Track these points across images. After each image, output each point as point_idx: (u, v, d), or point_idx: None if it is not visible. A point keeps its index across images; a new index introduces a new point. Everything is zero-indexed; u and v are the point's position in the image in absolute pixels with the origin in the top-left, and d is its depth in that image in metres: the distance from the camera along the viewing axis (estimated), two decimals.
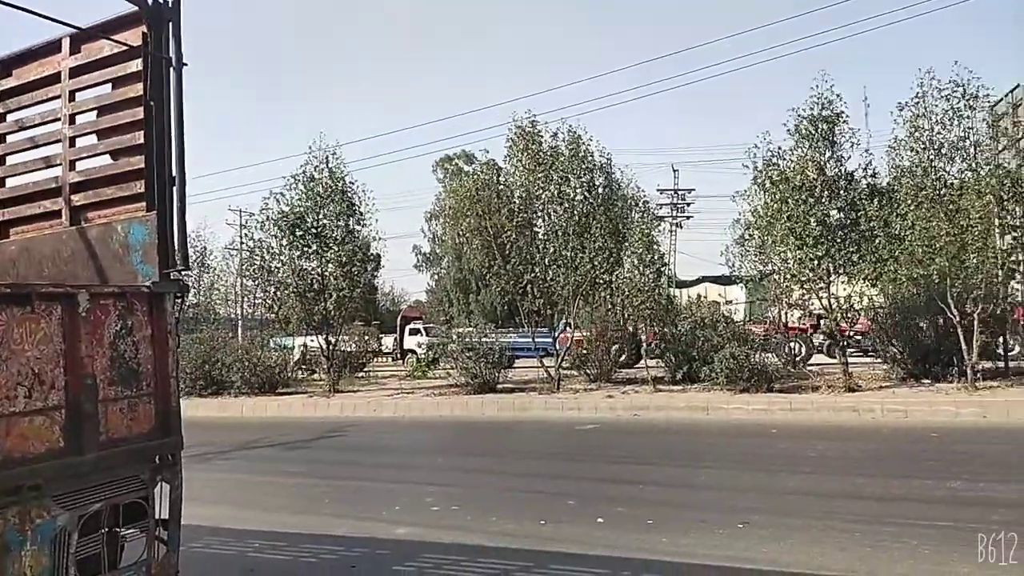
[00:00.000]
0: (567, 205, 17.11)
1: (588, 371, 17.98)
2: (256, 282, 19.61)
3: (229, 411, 17.36)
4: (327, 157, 18.10)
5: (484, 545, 6.01)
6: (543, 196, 17.16)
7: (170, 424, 3.90)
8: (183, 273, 4.06)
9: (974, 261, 13.38)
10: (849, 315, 15.14)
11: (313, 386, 20.31)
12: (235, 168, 77.54)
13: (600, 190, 17.29)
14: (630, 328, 18.29)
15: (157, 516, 3.87)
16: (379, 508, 7.53)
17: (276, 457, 11.42)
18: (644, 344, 17.65)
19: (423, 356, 22.08)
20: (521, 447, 10.97)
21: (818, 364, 19.24)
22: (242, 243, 27.29)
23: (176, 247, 4.03)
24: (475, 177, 18.65)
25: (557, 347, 18.61)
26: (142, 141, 4.08)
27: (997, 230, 13.82)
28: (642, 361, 17.54)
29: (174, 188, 4.01)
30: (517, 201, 17.39)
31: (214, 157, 76.19)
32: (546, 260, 17.14)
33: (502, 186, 17.72)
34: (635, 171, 39.76)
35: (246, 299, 32.72)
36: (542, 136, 17.21)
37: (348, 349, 21.68)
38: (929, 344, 15.16)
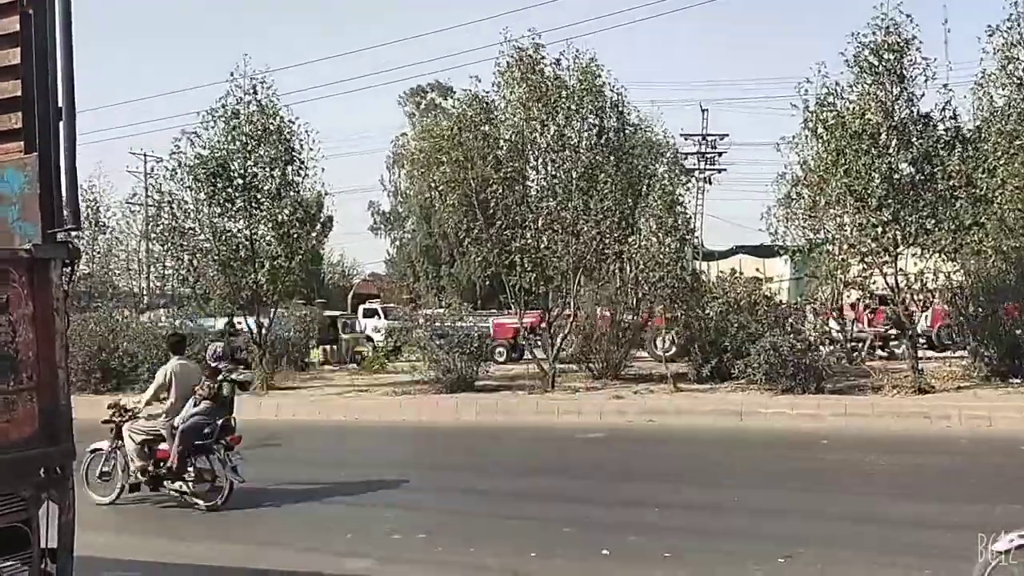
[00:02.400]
0: (569, 153, 17.02)
1: (592, 365, 18.06)
2: (166, 247, 19.42)
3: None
4: (255, 86, 17.89)
5: None
6: (540, 141, 17.05)
7: (58, 428, 3.87)
8: (73, 234, 4.00)
9: None
10: (920, 296, 15.25)
11: None
12: (139, 98, 76.51)
13: (611, 135, 17.21)
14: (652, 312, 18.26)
15: (43, 544, 3.85)
16: (325, 536, 7.55)
17: None
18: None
19: (381, 345, 22.08)
20: (506, 460, 11.02)
21: (880, 358, 19.44)
22: (147, 196, 27.04)
23: (64, 200, 3.96)
24: (458, 114, 18.42)
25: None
26: (18, 60, 3.98)
27: None
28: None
29: (61, 123, 3.93)
30: (506, 147, 17.26)
31: (111, 83, 75.19)
32: (540, 223, 17.10)
33: (488, 127, 17.54)
34: (654, 110, 39.67)
35: (153, 269, 32.46)
36: (544, 63, 16.99)
37: (286, 335, 21.64)
38: (1020, 335, 15.31)
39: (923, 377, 14.64)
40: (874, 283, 15.89)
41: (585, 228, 16.73)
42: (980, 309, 15.99)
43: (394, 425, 15.18)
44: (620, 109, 17.48)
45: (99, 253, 24.81)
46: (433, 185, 17.96)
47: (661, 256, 16.23)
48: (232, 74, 17.89)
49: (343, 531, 7.68)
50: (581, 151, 16.99)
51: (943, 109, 14.71)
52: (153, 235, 20.30)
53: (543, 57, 16.99)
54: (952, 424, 12.40)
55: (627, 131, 17.65)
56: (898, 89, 14.54)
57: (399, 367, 20.27)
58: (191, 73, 73.77)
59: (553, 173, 17.34)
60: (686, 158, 36.36)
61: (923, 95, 14.64)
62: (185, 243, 18.50)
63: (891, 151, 14.47)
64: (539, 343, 19.22)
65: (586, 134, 17.06)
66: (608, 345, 18.08)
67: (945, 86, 14.62)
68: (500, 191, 17.03)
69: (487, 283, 29.88)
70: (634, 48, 63.06)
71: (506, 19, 38.13)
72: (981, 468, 9.97)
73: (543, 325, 19.64)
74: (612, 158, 16.96)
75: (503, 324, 23.63)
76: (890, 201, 14.35)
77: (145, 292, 31.63)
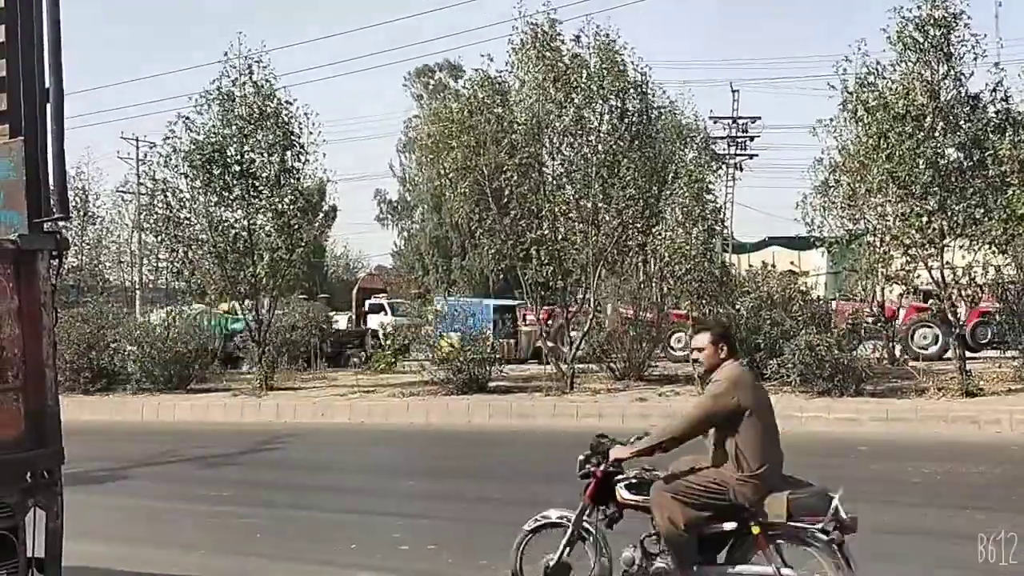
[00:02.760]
0: (589, 137, 16.98)
1: (613, 365, 18.05)
2: (160, 238, 19.53)
3: (126, 413, 17.42)
4: (250, 67, 17.93)
5: None
6: (557, 125, 17.00)
7: (45, 430, 3.90)
8: (62, 224, 4.02)
9: None
10: (969, 292, 15.13)
11: (239, 381, 20.37)
12: (131, 80, 76.93)
13: (634, 118, 17.15)
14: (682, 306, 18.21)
15: (29, 553, 3.88)
16: (330, 546, 7.57)
17: (190, 476, 11.47)
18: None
19: (388, 343, 22.09)
20: (521, 466, 11.03)
21: (926, 359, 19.30)
22: (140, 184, 27.17)
23: (52, 187, 3.98)
24: (468, 96, 18.40)
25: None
26: (3, 39, 4.00)
27: None
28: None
29: (48, 106, 3.95)
30: (521, 131, 17.23)
31: (102, 65, 75.63)
32: (558, 212, 17.07)
33: (502, 110, 17.51)
34: (684, 91, 39.44)
35: (146, 261, 32.65)
36: (561, 40, 16.94)
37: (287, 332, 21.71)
38: None
39: (971, 379, 14.53)
40: (918, 277, 15.78)
41: (606, 218, 16.68)
42: None
43: (402, 428, 15.22)
44: (644, 90, 17.38)
45: (88, 244, 25.04)
46: (443, 172, 17.93)
47: (688, 248, 16.17)
48: (226, 54, 17.95)
49: (348, 541, 7.71)
50: (602, 135, 16.93)
51: (994, 90, 14.57)
52: (146, 225, 20.37)
53: (559, 34, 16.94)
54: (1003, 430, 12.32)
55: (651, 114, 17.56)
56: (945, 68, 14.41)
57: (408, 366, 20.28)
58: (189, 55, 74.11)
59: (571, 159, 17.27)
60: (715, 143, 36.21)
61: (972, 74, 14.51)
62: (180, 234, 18.58)
63: (937, 135, 14.34)
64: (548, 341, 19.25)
65: (607, 117, 16.98)
66: (631, 344, 18.04)
67: (996, 65, 14.50)
68: (514, 178, 17.00)
69: (501, 277, 29.86)
70: (659, 25, 62.91)
71: None
72: None
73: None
74: (635, 143, 16.88)
75: None
76: (936, 189, 14.23)
77: (138, 286, 31.89)
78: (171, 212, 18.46)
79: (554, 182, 17.54)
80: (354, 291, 34.66)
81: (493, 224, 17.49)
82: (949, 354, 17.01)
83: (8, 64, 4.00)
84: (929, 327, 19.85)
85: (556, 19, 17.01)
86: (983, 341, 19.37)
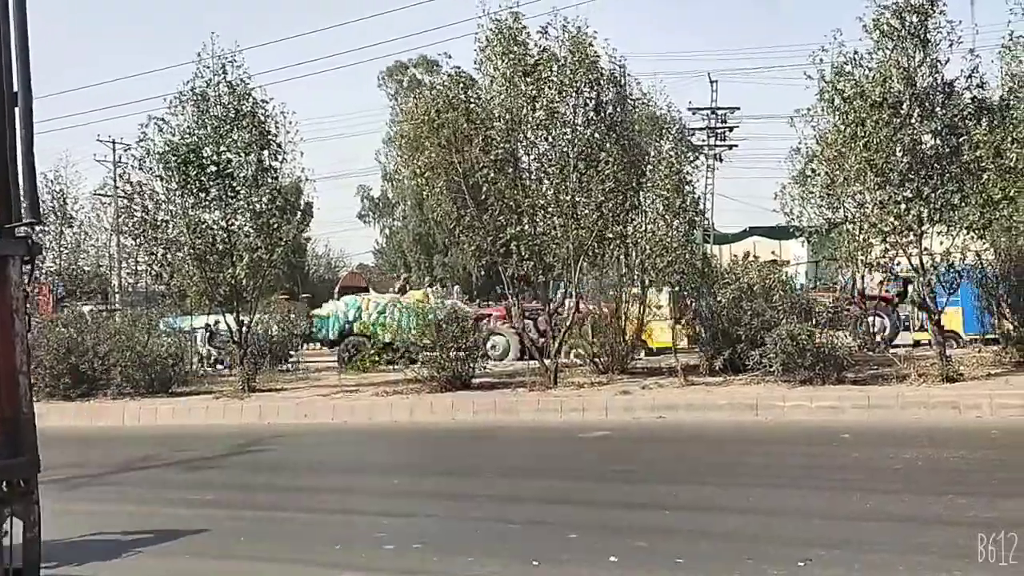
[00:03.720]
0: (565, 131, 16.98)
1: (597, 360, 18.09)
2: (138, 241, 19.40)
3: (106, 419, 17.30)
4: (223, 66, 17.82)
5: None
6: (531, 119, 17.00)
7: (20, 437, 3.86)
8: (33, 228, 3.98)
9: None
10: (948, 278, 15.26)
11: (221, 383, 20.29)
12: (106, 81, 76.39)
13: (611, 109, 17.16)
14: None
15: (7, 564, 3.85)
16: (314, 547, 7.56)
17: (173, 480, 11.43)
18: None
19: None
20: (506, 462, 11.07)
21: (904, 345, 19.47)
22: (116, 187, 26.98)
23: (22, 191, 3.94)
24: (436, 91, 18.39)
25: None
26: None
27: None
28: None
29: (17, 109, 3.91)
30: (496, 127, 17.23)
31: (77, 67, 74.98)
32: (536, 207, 17.09)
33: (474, 106, 17.51)
34: (657, 83, 39.52)
35: (125, 264, 32.47)
36: (527, 34, 16.96)
37: (271, 332, 21.65)
38: None
39: (951, 365, 14.65)
40: (898, 264, 15.89)
41: (585, 211, 16.70)
42: (1012, 289, 16.00)
43: (385, 427, 15.20)
44: (619, 81, 17.39)
45: (67, 248, 24.84)
46: (418, 172, 17.89)
47: (668, 240, 16.21)
48: (199, 54, 17.82)
49: (331, 541, 7.70)
50: (578, 128, 16.93)
51: (970, 76, 14.66)
52: (124, 228, 20.25)
53: (524, 27, 16.92)
54: (983, 414, 12.44)
55: (627, 105, 17.57)
56: (921, 55, 14.49)
57: (390, 365, 20.24)
58: (166, 56, 73.58)
59: (547, 153, 17.27)
60: (694, 134, 36.30)
61: (948, 61, 14.61)
62: (158, 236, 18.46)
63: (914, 122, 14.42)
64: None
65: (582, 109, 16.97)
66: (614, 337, 18.08)
67: (972, 51, 14.60)
68: (491, 174, 17.00)
69: (483, 273, 29.88)
70: (637, 18, 62.97)
71: None
72: (1015, 460, 10.01)
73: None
74: (612, 134, 16.89)
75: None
76: (913, 176, 14.34)
77: (117, 290, 31.69)
78: (148, 215, 18.34)
79: (531, 176, 17.53)
80: (336, 290, 34.53)
81: (472, 221, 17.47)
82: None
83: None
84: (879, 316, 20.18)
85: (519, 13, 16.98)
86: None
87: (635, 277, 17.94)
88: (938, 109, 14.64)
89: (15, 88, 3.93)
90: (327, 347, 24.80)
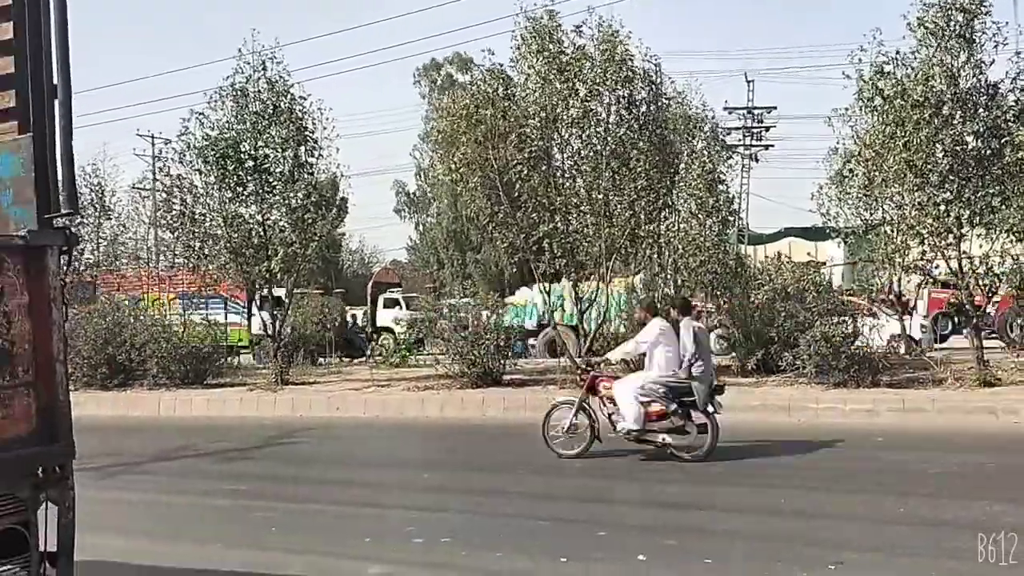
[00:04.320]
0: (598, 129, 16.93)
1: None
2: (176, 234, 19.63)
3: (142, 409, 17.53)
4: (263, 62, 17.98)
5: None
6: (565, 117, 16.96)
7: (56, 425, 3.92)
8: (71, 219, 4.04)
9: None
10: (986, 281, 15.03)
11: (255, 376, 20.47)
12: (146, 76, 77.37)
13: (644, 107, 17.08)
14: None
15: (42, 548, 3.90)
16: (344, 540, 7.60)
17: (206, 471, 11.53)
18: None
19: (403, 337, 22.09)
20: (535, 459, 11.01)
21: (942, 349, 19.19)
22: (155, 180, 27.31)
23: (61, 183, 4.00)
24: (473, 90, 18.41)
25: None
26: (11, 36, 4.02)
27: None
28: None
29: (56, 101, 3.97)
30: (531, 124, 17.21)
31: (116, 61, 75.97)
32: (569, 205, 17.05)
33: (510, 103, 17.51)
34: (691, 81, 39.34)
35: (163, 257, 32.89)
36: (563, 32, 16.92)
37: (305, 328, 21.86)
38: None
39: (988, 369, 14.45)
40: (937, 267, 15.68)
41: (618, 209, 16.64)
42: None
43: (416, 422, 15.25)
44: (653, 80, 17.30)
45: (105, 240, 25.17)
46: (454, 167, 17.94)
47: (702, 239, 16.11)
48: (240, 50, 18.00)
49: (361, 534, 7.73)
50: (610, 126, 16.87)
51: (1015, 78, 14.45)
52: (162, 221, 20.48)
53: (559, 26, 16.89)
54: (1021, 420, 12.24)
55: (660, 104, 17.48)
56: (965, 55, 14.28)
57: (421, 360, 20.32)
58: (204, 53, 74.33)
59: (581, 151, 17.23)
60: (729, 133, 36.03)
61: (993, 62, 14.37)
62: (195, 229, 18.66)
63: (956, 123, 14.22)
64: None
65: (614, 108, 16.91)
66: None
67: (1018, 54, 14.37)
68: (525, 172, 16.99)
69: (515, 270, 29.86)
70: (672, 17, 62.56)
71: None
72: None
73: None
74: (645, 133, 16.81)
75: None
76: (954, 177, 14.14)
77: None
78: (186, 208, 18.55)
79: (564, 174, 17.50)
80: (369, 285, 34.70)
81: (505, 218, 17.48)
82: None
83: (16, 61, 4.01)
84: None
85: (555, 11, 17.00)
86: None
87: (667, 276, 17.85)
88: (981, 110, 14.42)
89: (55, 81, 3.99)
90: (521, 339, 22.42)
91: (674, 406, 10.17)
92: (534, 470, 10.55)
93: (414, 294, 31.62)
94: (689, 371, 10.19)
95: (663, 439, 10.28)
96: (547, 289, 18.67)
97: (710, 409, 10.16)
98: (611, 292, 17.96)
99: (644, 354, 10.79)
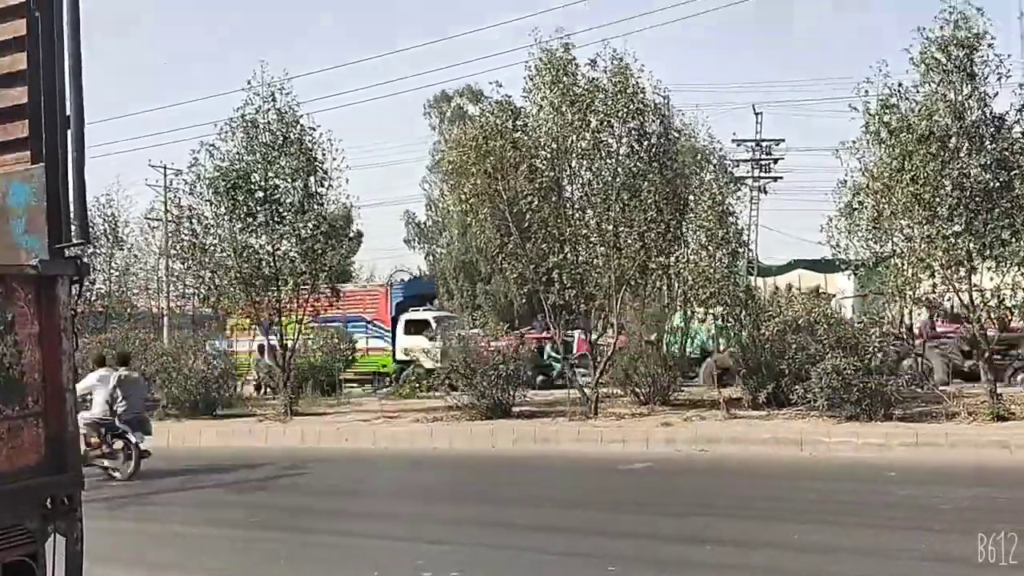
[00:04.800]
0: (609, 160, 16.99)
1: (637, 390, 17.93)
2: (186, 264, 19.70)
3: (151, 439, 17.45)
4: (272, 94, 18.12)
5: None
6: (576, 148, 17.03)
7: (65, 455, 3.89)
8: (82, 249, 4.04)
9: None
10: (996, 314, 14.92)
11: (264, 407, 20.43)
12: (158, 107, 78.03)
13: (654, 139, 17.15)
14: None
15: None
16: (352, 572, 7.55)
17: (215, 501, 11.49)
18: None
19: (436, 369, 19.05)
20: (545, 492, 10.98)
21: (955, 384, 19.04)
22: (167, 211, 27.44)
23: (73, 213, 4.01)
24: (483, 121, 18.51)
25: None
26: (24, 66, 4.04)
27: None
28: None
29: (69, 132, 3.98)
30: (542, 155, 17.27)
31: (129, 93, 76.72)
32: (579, 236, 17.06)
33: (520, 134, 17.59)
34: (698, 115, 39.44)
35: (174, 287, 32.93)
36: (577, 64, 17.02)
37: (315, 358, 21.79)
38: None
39: (1002, 403, 14.32)
40: (949, 300, 15.59)
41: (628, 241, 16.64)
42: None
43: (425, 454, 15.17)
44: (663, 112, 17.37)
45: (117, 271, 25.29)
46: (463, 198, 17.98)
47: (711, 271, 16.08)
48: (249, 82, 18.15)
49: (370, 567, 7.67)
50: (621, 157, 16.93)
51: (1020, 110, 14.45)
52: (173, 252, 20.55)
53: (573, 58, 17.01)
54: None
55: (671, 136, 17.53)
56: (968, 88, 14.30)
57: (432, 392, 20.21)
58: (218, 84, 75.01)
59: (591, 182, 17.28)
60: (737, 165, 36.08)
61: (996, 94, 14.40)
62: (205, 260, 18.73)
63: (962, 156, 14.20)
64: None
65: (625, 139, 16.98)
66: (655, 368, 17.92)
67: (1022, 86, 14.41)
68: (535, 203, 17.03)
69: (524, 301, 29.75)
70: (681, 50, 62.94)
71: (541, 18, 38.32)
72: None
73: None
74: (655, 164, 16.86)
75: None
76: (962, 210, 14.10)
77: (165, 312, 32.15)
78: (196, 238, 18.62)
79: (574, 205, 17.53)
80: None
81: (515, 248, 17.50)
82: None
83: (30, 90, 4.03)
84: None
85: (570, 43, 17.11)
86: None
87: (677, 307, 17.80)
88: (987, 143, 14.40)
89: (68, 112, 4.01)
90: (680, 368, 19.21)
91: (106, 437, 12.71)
92: (542, 503, 10.48)
93: (444, 312, 30.35)
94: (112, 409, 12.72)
95: (103, 463, 12.60)
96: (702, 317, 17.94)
97: (132, 439, 12.59)
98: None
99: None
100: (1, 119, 4.22)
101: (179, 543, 9.14)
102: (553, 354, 22.30)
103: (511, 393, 17.31)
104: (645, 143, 17.06)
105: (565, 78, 16.87)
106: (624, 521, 9.44)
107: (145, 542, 9.17)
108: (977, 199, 14.26)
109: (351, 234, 25.00)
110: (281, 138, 18.06)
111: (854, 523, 8.84)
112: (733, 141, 40.32)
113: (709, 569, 7.27)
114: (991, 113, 14.48)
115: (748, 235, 28.27)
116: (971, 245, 14.27)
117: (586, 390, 17.33)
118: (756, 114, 43.02)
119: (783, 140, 44.22)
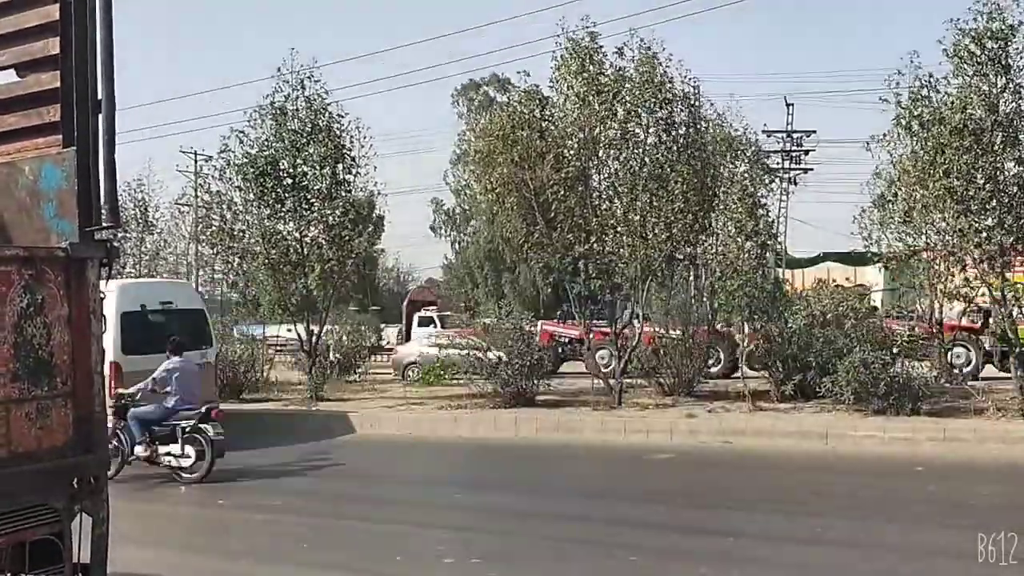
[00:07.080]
0: (636, 151, 16.89)
1: (662, 380, 17.86)
2: (215, 250, 19.83)
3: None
4: (302, 81, 18.17)
5: None
6: (603, 138, 16.94)
7: (92, 436, 3.94)
8: (112, 232, 4.07)
9: None
10: None
11: (290, 392, 20.56)
12: (190, 94, 78.48)
13: (683, 129, 17.02)
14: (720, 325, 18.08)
15: (75, 559, 3.91)
16: (375, 557, 7.58)
17: (239, 485, 11.56)
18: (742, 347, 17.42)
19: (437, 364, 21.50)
20: (567, 481, 10.98)
21: (984, 378, 18.83)
22: (196, 196, 27.65)
23: (103, 196, 4.04)
24: (510, 110, 18.46)
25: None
26: (58, 51, 4.07)
27: None
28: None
29: (100, 116, 4.01)
30: (569, 145, 17.21)
31: (161, 78, 77.29)
32: (606, 226, 17.00)
33: (547, 123, 17.52)
34: (733, 104, 39.08)
35: (202, 272, 33.24)
36: (604, 53, 16.92)
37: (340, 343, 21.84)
38: None
39: None
40: (981, 294, 15.39)
41: (655, 231, 16.55)
42: None
43: (448, 441, 15.20)
44: (692, 102, 17.23)
45: (147, 255, 25.50)
46: (490, 187, 17.95)
47: (740, 262, 15.98)
48: (279, 69, 18.21)
49: (393, 553, 7.71)
50: (648, 148, 16.81)
51: None
52: (202, 237, 20.73)
53: (600, 47, 16.90)
54: None
55: (700, 126, 17.38)
56: (1003, 81, 14.09)
57: (457, 378, 20.25)
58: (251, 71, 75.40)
59: (618, 172, 17.19)
60: (768, 157, 35.83)
61: None
62: (234, 245, 18.85)
63: (996, 149, 14.01)
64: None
65: (653, 129, 16.86)
66: (680, 359, 17.84)
67: None
68: (562, 192, 16.96)
69: (550, 290, 29.80)
70: (712, 40, 62.46)
71: (568, 8, 38.13)
72: None
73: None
74: (683, 155, 16.73)
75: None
76: (995, 204, 13.91)
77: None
78: (226, 224, 18.75)
79: (601, 195, 17.45)
80: (404, 304, 34.83)
81: (541, 238, 17.45)
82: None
83: (62, 75, 4.07)
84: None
85: (596, 32, 16.98)
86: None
87: (704, 298, 17.71)
88: (1021, 136, 14.19)
89: (99, 96, 4.03)
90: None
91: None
92: (567, 492, 10.48)
93: (449, 313, 31.60)
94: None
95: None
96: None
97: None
98: None
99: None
100: (34, 103, 4.26)
101: (202, 526, 9.25)
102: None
103: (535, 382, 17.31)
104: (673, 133, 16.91)
105: (591, 67, 16.75)
106: (647, 512, 9.42)
107: (169, 524, 9.28)
108: (1011, 193, 14.07)
109: (374, 219, 24.90)
110: (310, 125, 18.10)
111: (879, 518, 8.78)
112: (764, 132, 39.98)
113: (732, 562, 7.24)
114: None
115: (778, 227, 28.07)
116: (1004, 239, 14.09)
117: (610, 380, 17.28)
118: (787, 105, 42.65)
119: (814, 131, 43.76)
